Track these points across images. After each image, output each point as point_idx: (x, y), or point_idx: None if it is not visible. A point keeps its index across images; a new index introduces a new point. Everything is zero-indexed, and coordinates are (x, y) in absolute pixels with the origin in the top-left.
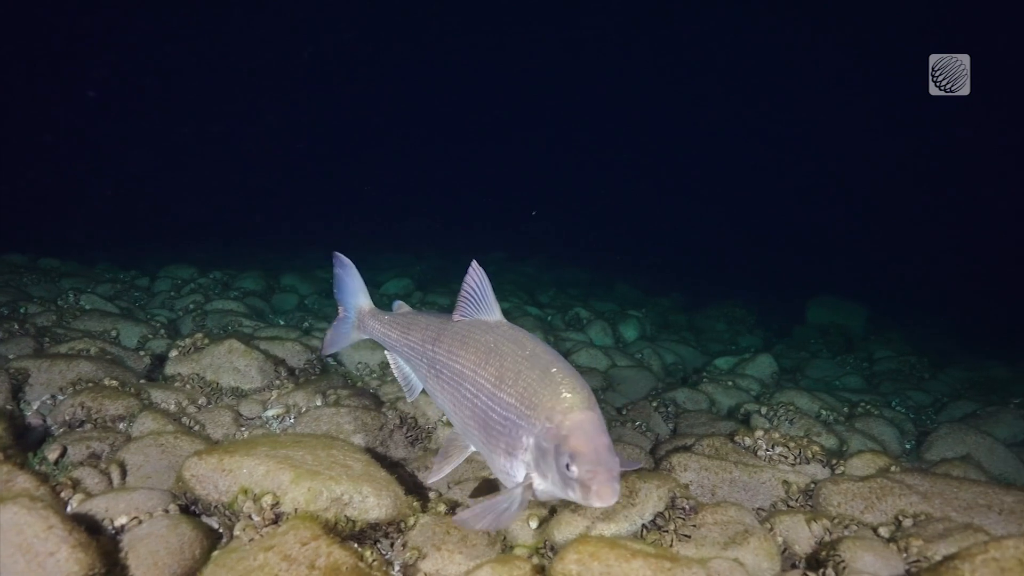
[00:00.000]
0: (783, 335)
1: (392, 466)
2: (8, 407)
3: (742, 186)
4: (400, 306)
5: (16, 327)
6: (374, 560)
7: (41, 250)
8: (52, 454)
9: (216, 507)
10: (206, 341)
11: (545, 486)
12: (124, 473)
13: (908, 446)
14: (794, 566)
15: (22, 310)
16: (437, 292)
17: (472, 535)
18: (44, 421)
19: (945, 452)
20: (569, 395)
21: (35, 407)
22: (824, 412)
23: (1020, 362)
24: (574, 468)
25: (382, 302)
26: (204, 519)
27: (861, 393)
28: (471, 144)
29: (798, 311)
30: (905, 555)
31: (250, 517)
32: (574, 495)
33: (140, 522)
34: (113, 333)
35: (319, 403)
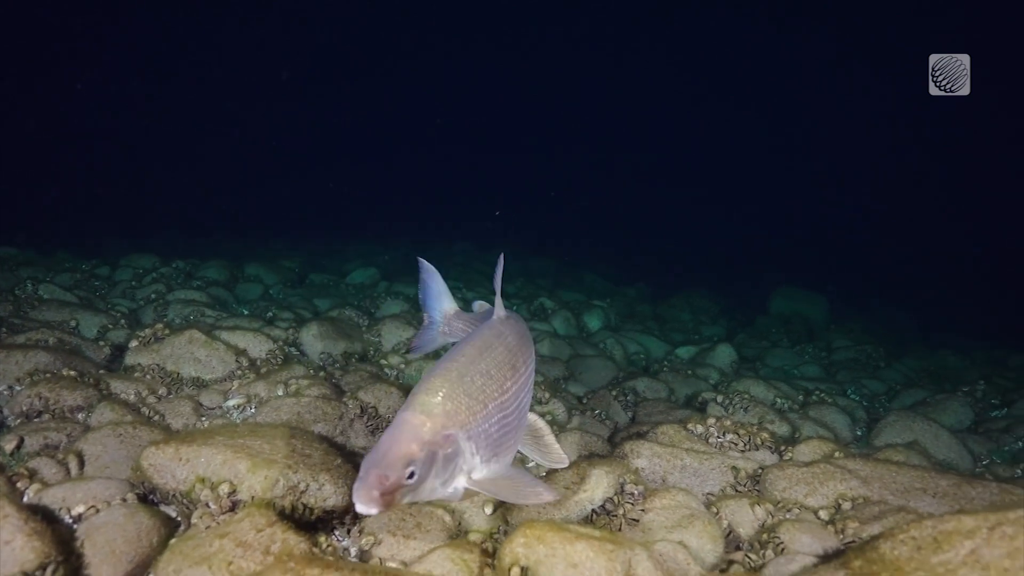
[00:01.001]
0: (747, 325)
1: (351, 455)
2: None
3: (714, 180)
4: (480, 306)
5: None
6: (328, 546)
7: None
8: (8, 445)
9: (174, 496)
10: (166, 331)
11: None
12: (82, 463)
13: (859, 433)
14: (738, 548)
15: None
16: (403, 282)
17: (426, 521)
18: (0, 412)
19: (893, 438)
20: (420, 396)
21: None
22: (779, 400)
23: (974, 352)
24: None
25: (348, 291)
26: (162, 508)
27: (818, 381)
28: (436, 134)
29: (762, 301)
30: (841, 536)
31: (207, 505)
32: None
33: (98, 511)
34: (72, 323)
35: (280, 393)
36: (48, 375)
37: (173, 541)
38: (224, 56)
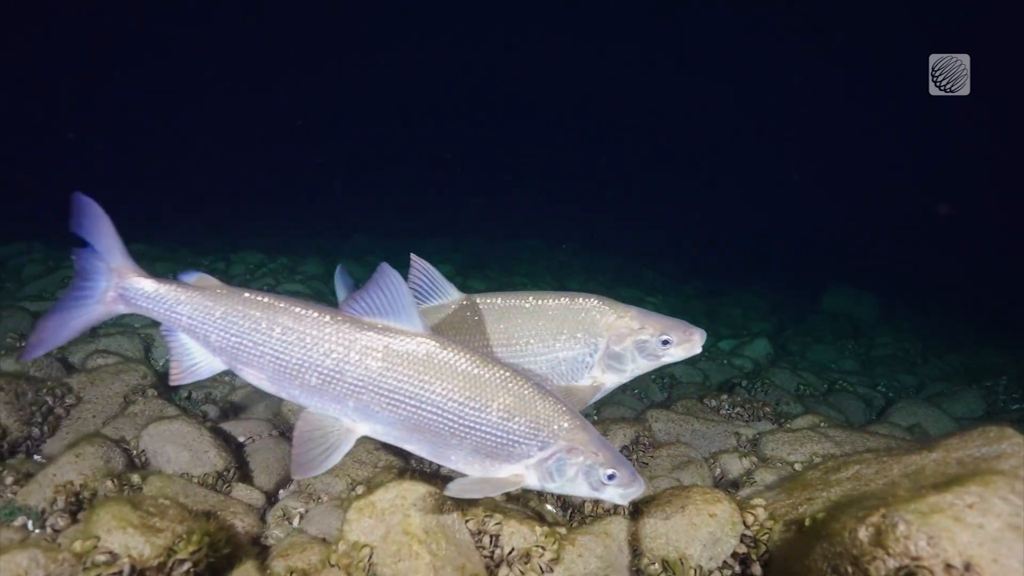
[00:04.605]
0: (798, 322)
1: None
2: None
3: (767, 184)
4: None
5: None
6: (414, 466)
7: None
8: (184, 394)
9: None
10: None
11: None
12: (236, 410)
13: (873, 417)
14: (725, 487)
15: None
16: (475, 277)
17: None
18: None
19: (899, 421)
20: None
21: (161, 363)
22: (802, 387)
23: (1018, 351)
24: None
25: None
26: None
27: (850, 374)
28: (514, 137)
29: (816, 300)
30: None
31: None
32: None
33: (253, 440)
34: None
35: None
36: None
37: None
38: (312, 62)
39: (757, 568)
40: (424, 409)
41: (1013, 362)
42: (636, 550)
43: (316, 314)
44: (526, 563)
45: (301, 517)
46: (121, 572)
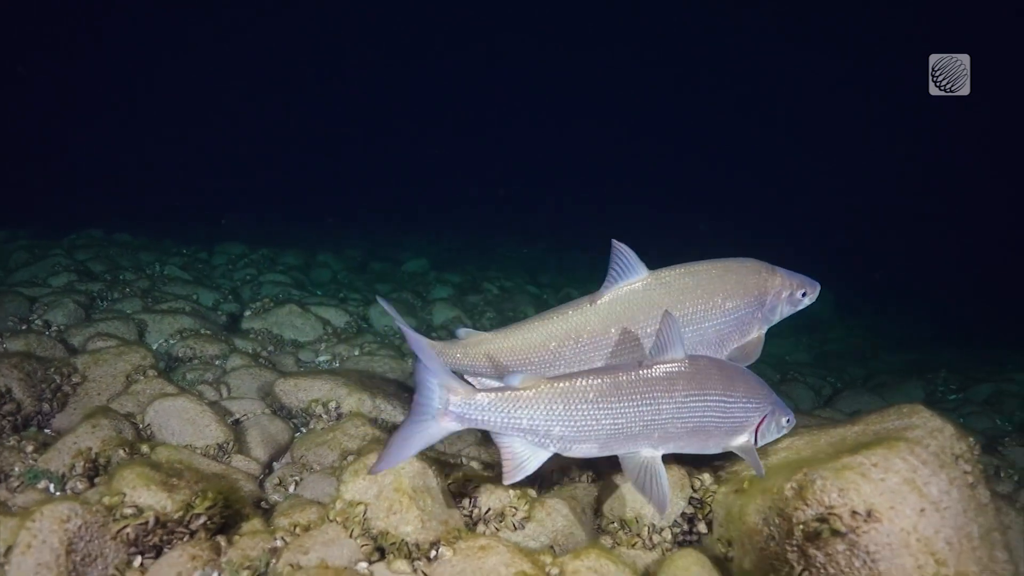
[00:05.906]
0: None
1: (411, 392)
2: None
3: (738, 181)
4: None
5: (127, 289)
6: None
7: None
8: (181, 375)
9: (296, 411)
10: (271, 304)
11: None
12: (228, 390)
13: (821, 404)
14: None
15: (121, 277)
16: (450, 271)
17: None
18: (167, 357)
19: (843, 408)
20: None
21: (155, 347)
22: None
23: (968, 347)
24: None
25: (404, 277)
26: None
27: (803, 366)
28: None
29: None
30: None
31: (320, 416)
32: None
33: (248, 417)
34: (194, 296)
35: (357, 353)
36: (192, 333)
37: (298, 436)
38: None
39: (703, 526)
40: (707, 415)
41: (959, 358)
42: (598, 511)
43: (627, 377)
44: (501, 521)
45: (296, 484)
46: (147, 523)
